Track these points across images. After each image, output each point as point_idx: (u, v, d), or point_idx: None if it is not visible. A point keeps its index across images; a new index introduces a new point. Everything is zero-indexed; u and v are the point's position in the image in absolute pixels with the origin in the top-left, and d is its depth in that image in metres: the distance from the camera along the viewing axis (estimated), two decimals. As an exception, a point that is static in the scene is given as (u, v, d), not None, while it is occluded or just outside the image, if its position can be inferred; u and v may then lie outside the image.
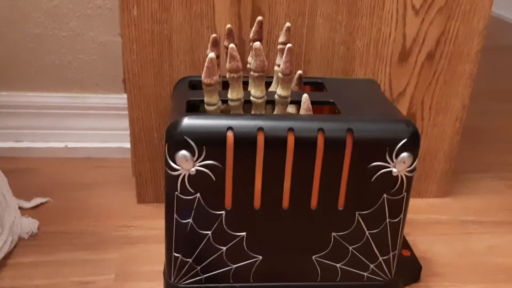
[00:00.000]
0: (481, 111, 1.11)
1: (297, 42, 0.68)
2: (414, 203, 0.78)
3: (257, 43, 0.51)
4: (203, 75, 0.51)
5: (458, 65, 0.71)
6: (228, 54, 0.51)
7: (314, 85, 0.62)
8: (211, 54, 0.50)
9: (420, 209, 0.77)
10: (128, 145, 0.77)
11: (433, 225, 0.74)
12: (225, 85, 0.57)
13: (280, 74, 0.53)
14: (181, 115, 0.50)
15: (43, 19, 0.80)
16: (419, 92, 0.72)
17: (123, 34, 0.65)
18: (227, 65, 0.51)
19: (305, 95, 0.53)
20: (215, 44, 0.55)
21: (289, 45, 0.51)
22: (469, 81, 0.72)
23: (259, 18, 0.58)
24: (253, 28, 0.58)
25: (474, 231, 0.73)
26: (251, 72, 0.52)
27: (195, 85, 0.60)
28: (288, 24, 0.57)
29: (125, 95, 0.70)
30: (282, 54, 0.53)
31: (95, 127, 0.88)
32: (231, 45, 0.51)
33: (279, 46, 0.57)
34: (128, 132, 0.71)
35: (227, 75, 0.52)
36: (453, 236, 0.72)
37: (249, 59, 0.51)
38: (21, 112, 0.86)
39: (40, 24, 0.80)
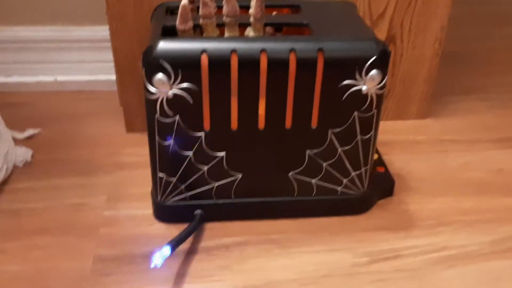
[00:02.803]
0: (466, 35, 1.11)
1: (275, -35, 0.68)
2: (394, 125, 0.81)
3: None
4: (177, 21, 0.53)
5: (437, -15, 0.71)
6: (201, 1, 0.52)
7: (291, 8, 0.63)
8: (184, 1, 0.51)
9: (399, 131, 0.80)
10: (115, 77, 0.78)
11: (411, 145, 0.77)
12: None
13: (251, 19, 0.54)
14: (157, 39, 0.51)
15: (22, -50, 0.79)
16: (398, 14, 0.73)
17: (100, -38, 0.65)
18: (200, 11, 0.53)
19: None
20: None
21: None
22: (447, 2, 0.72)
23: None
24: None
25: (451, 149, 0.76)
26: (224, 18, 0.54)
27: (173, 10, 0.61)
28: None
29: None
30: None
31: (84, 60, 0.89)
32: None
33: None
34: (114, 63, 0.73)
35: (200, 21, 0.54)
36: (430, 154, 0.75)
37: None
38: (9, 46, 0.87)
39: (20, -45, 0.80)
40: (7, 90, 0.88)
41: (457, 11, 0.75)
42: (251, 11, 0.54)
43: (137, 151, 0.74)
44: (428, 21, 0.73)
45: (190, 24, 0.53)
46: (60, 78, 0.89)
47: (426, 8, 0.72)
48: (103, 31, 0.86)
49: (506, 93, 0.91)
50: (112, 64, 0.75)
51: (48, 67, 0.89)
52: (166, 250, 0.52)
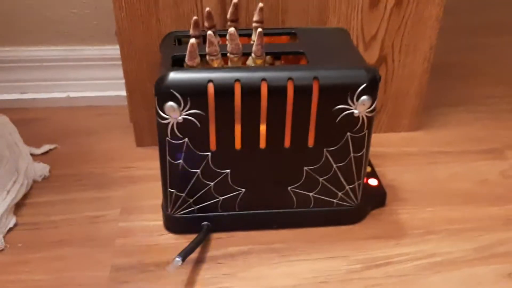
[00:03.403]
0: (454, 46, 1.16)
1: (274, -8, 0.73)
2: (387, 137, 0.86)
3: (232, 29, 0.58)
4: (186, 58, 0.58)
5: (425, 9, 0.76)
6: (207, 40, 0.58)
7: (289, 35, 0.68)
8: (192, 40, 0.57)
9: (392, 143, 0.85)
10: (125, 93, 0.83)
11: (402, 157, 0.82)
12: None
13: (253, 55, 0.60)
14: (167, 70, 0.57)
15: (37, -23, 0.85)
16: (389, 36, 0.78)
17: (112, -8, 0.70)
18: (207, 49, 0.59)
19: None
20: (196, 26, 0.61)
21: (259, 30, 0.58)
22: (435, 24, 0.77)
23: (235, 0, 0.63)
24: (230, 10, 0.64)
25: (440, 160, 0.81)
26: (228, 54, 0.60)
27: (180, 40, 0.66)
28: (261, 4, 0.63)
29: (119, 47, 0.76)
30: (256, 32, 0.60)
31: (94, 77, 0.94)
32: (209, 32, 0.58)
33: (254, 24, 0.64)
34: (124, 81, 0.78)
35: (207, 57, 0.59)
36: (420, 166, 0.80)
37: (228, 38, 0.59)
38: (25, 65, 0.92)
39: (35, -19, 0.85)
40: (22, 106, 0.93)
41: (445, 22, 0.79)
42: (253, 48, 0.59)
43: (147, 164, 0.79)
44: (417, 42, 0.78)
45: (198, 60, 0.58)
46: (72, 94, 0.94)
47: (415, 30, 0.77)
48: (111, 50, 0.92)
49: (493, 104, 0.96)
50: (120, 81, 0.80)
51: (60, 84, 0.94)
52: (178, 260, 0.57)
